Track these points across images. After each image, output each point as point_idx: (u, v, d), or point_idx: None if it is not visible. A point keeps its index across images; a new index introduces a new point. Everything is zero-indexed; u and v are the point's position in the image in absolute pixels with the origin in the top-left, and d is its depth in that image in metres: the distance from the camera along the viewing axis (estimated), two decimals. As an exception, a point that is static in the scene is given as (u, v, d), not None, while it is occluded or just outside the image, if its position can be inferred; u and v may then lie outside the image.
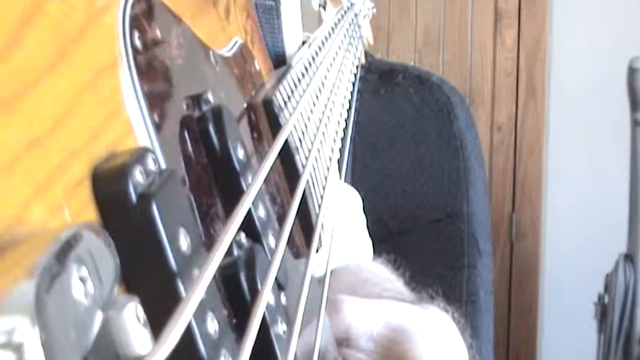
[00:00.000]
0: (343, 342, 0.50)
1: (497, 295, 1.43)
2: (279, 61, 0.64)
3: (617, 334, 1.71)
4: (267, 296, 0.28)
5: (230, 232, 0.24)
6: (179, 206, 0.25)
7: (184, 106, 0.32)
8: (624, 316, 1.70)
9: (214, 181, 0.33)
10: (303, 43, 0.69)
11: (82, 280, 0.19)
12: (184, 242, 0.24)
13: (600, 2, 2.31)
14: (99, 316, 0.20)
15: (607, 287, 1.75)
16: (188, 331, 0.23)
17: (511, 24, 2.34)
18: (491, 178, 2.28)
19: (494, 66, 2.35)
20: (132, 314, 0.21)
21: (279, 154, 0.45)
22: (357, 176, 1.25)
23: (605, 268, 1.78)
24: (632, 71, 1.71)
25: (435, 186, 1.23)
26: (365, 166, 1.26)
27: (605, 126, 2.23)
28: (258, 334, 0.30)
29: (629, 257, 1.73)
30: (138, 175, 0.23)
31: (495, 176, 2.32)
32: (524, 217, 2.32)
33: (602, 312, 1.75)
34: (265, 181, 0.41)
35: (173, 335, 0.19)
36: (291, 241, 0.44)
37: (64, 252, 0.19)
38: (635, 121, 1.74)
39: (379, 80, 1.28)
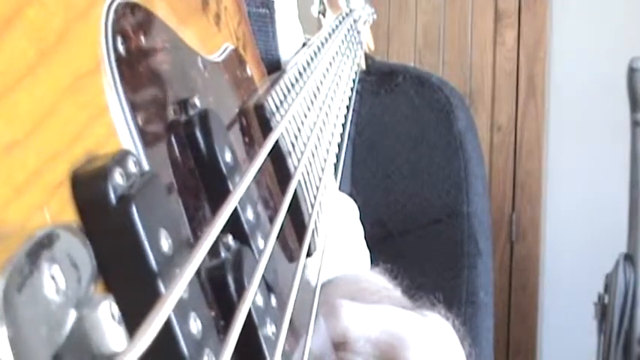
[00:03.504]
0: (340, 346, 0.50)
1: (497, 295, 1.43)
2: (274, 67, 0.64)
3: (617, 334, 1.71)
4: (252, 296, 0.28)
5: (213, 233, 0.24)
6: (160, 208, 0.25)
7: (171, 111, 0.32)
8: (624, 316, 1.70)
9: (202, 184, 0.33)
10: (304, 45, 0.69)
11: (54, 278, 0.20)
12: (165, 243, 0.24)
13: (600, 2, 2.31)
14: (72, 314, 0.20)
15: (607, 287, 1.75)
16: (169, 330, 0.23)
17: (511, 24, 2.34)
18: (491, 178, 2.28)
19: (494, 66, 2.35)
20: (106, 312, 0.22)
21: (271, 158, 0.45)
22: (358, 177, 1.25)
23: (605, 268, 1.78)
24: (632, 71, 1.71)
25: (435, 187, 1.23)
26: (365, 167, 1.26)
27: (605, 126, 2.23)
28: (246, 335, 0.31)
29: (629, 257, 1.73)
30: (118, 178, 0.23)
31: (495, 176, 2.32)
32: (524, 217, 2.32)
33: (602, 312, 1.75)
34: (257, 185, 0.41)
35: (148, 333, 0.19)
36: (284, 244, 0.44)
37: (37, 251, 0.19)
38: (635, 121, 1.74)
39: (379, 81, 1.28)
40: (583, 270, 2.20)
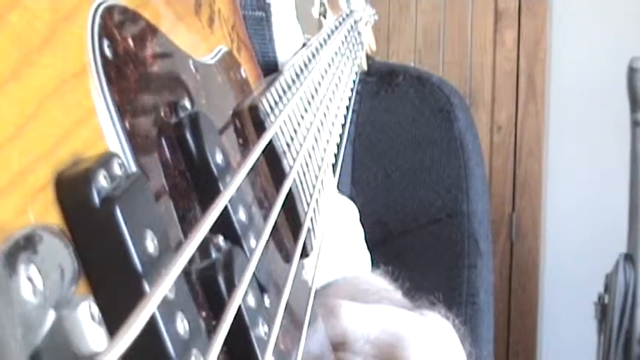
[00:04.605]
0: (339, 346, 0.50)
1: (497, 295, 1.43)
2: (272, 70, 0.64)
3: (617, 334, 1.71)
4: (241, 296, 0.28)
5: (200, 233, 0.25)
6: (146, 209, 0.25)
7: (162, 113, 0.32)
8: (624, 316, 1.70)
9: (193, 186, 0.33)
10: (303, 46, 0.69)
11: (31, 279, 0.20)
12: (151, 244, 0.24)
13: (600, 2, 2.31)
14: (51, 315, 0.21)
15: (607, 287, 1.75)
16: (154, 329, 0.23)
17: (511, 24, 2.34)
18: (491, 178, 2.28)
19: (494, 66, 2.35)
20: (86, 312, 0.22)
21: (266, 158, 0.45)
22: (358, 177, 1.25)
23: (605, 268, 1.78)
24: (632, 71, 1.71)
25: (436, 186, 1.23)
26: (365, 167, 1.26)
27: (605, 126, 2.23)
28: (237, 335, 0.31)
29: (629, 257, 1.73)
30: (102, 180, 0.23)
31: (495, 176, 2.32)
32: (524, 217, 2.32)
33: (602, 312, 1.75)
34: (252, 186, 0.41)
35: (130, 333, 0.19)
36: (280, 245, 0.44)
37: (14, 252, 0.19)
38: (635, 121, 1.74)
39: (379, 81, 1.28)
40: (583, 270, 2.20)
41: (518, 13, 2.33)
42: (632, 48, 1.95)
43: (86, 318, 0.22)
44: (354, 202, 0.87)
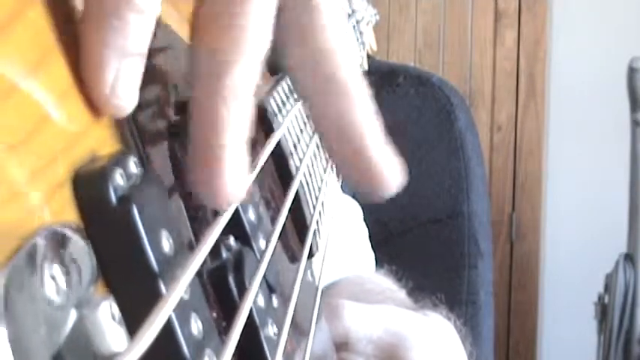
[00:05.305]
0: (342, 346, 0.50)
1: (497, 295, 1.43)
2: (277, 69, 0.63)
3: (617, 334, 1.71)
4: (253, 297, 0.28)
5: (214, 234, 0.24)
6: (161, 208, 0.25)
7: (172, 111, 0.32)
8: (624, 316, 1.71)
9: None
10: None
11: (54, 278, 0.20)
12: (167, 244, 0.24)
13: (600, 2, 2.32)
14: (72, 315, 0.20)
15: (607, 287, 1.76)
16: (169, 330, 0.23)
17: (511, 24, 2.35)
18: (491, 178, 2.29)
19: (494, 66, 2.36)
20: (106, 312, 0.22)
21: (273, 159, 0.45)
22: (358, 177, 1.25)
23: (605, 268, 1.79)
24: (632, 71, 1.72)
25: (436, 186, 1.23)
26: (365, 167, 1.26)
27: (605, 126, 2.24)
28: (247, 336, 0.31)
29: (629, 257, 1.74)
30: (118, 178, 0.23)
31: (495, 176, 2.32)
32: (524, 217, 2.33)
33: (602, 312, 1.75)
34: (259, 186, 0.41)
35: (149, 334, 0.19)
36: (286, 245, 0.44)
37: (37, 250, 0.19)
38: (635, 121, 1.75)
39: (379, 81, 1.28)
40: (583, 270, 2.21)
41: (518, 13, 2.34)
42: (632, 48, 1.96)
43: (107, 318, 0.21)
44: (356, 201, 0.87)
